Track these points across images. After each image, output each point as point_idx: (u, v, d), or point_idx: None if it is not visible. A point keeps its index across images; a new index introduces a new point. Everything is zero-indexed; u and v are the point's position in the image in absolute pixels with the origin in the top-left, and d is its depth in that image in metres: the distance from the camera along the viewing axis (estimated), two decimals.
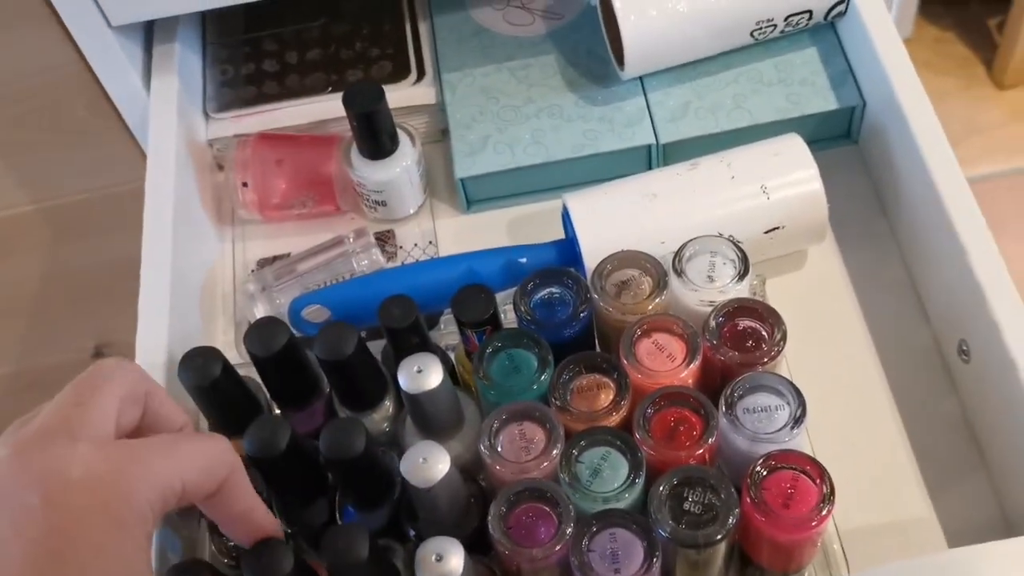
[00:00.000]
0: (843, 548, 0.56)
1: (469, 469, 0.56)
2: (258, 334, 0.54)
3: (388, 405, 0.58)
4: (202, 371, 0.53)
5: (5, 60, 0.91)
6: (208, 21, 0.77)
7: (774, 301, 0.63)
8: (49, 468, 0.37)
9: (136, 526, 0.38)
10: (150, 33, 0.72)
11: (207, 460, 0.42)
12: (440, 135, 0.74)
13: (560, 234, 0.66)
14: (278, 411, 0.58)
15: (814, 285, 0.65)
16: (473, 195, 0.71)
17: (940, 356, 0.62)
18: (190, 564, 0.48)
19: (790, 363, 0.61)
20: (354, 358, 0.53)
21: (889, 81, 0.63)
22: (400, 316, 0.55)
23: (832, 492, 0.49)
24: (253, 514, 0.45)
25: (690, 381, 0.54)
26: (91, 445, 0.38)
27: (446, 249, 0.69)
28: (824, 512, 0.48)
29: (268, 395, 0.58)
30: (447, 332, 0.64)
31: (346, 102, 0.64)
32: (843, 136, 0.71)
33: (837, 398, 0.61)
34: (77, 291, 1.14)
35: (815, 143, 0.65)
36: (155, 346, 0.59)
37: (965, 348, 0.58)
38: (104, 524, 0.37)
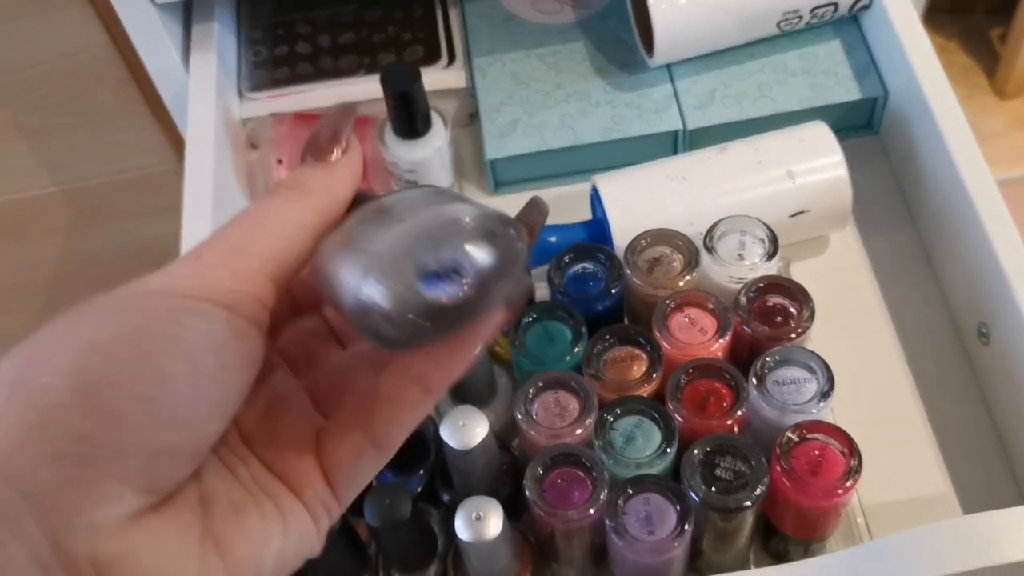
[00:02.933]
0: (866, 521, 0.57)
1: (501, 439, 0.57)
2: None
3: None
4: None
5: (32, 42, 0.93)
6: (243, 3, 0.79)
7: None
8: None
9: None
10: (188, 13, 0.73)
11: None
12: (467, 120, 0.76)
13: (585, 217, 0.68)
14: None
15: (836, 269, 0.67)
16: (501, 177, 0.72)
17: (959, 339, 0.63)
18: None
19: (812, 344, 0.63)
20: None
21: (913, 72, 0.65)
22: None
23: (860, 462, 0.50)
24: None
25: (720, 355, 0.55)
26: None
27: None
28: (851, 481, 0.50)
29: None
30: None
31: (383, 82, 0.65)
32: (864, 126, 0.73)
33: (858, 379, 0.62)
34: (95, 275, 1.16)
35: (837, 133, 0.66)
36: None
37: (985, 331, 0.60)
38: None
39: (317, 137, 0.33)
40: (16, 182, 1.07)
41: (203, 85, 0.69)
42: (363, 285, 0.27)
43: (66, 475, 0.24)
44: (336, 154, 0.33)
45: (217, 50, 0.72)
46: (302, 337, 0.33)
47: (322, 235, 0.31)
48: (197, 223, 0.64)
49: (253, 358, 0.28)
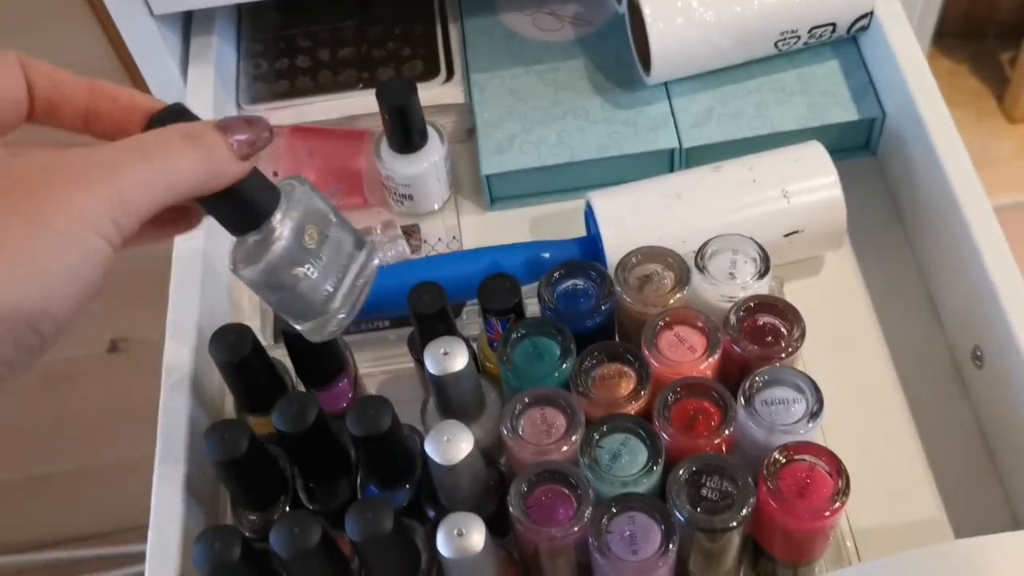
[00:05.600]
0: (855, 545, 0.57)
1: (489, 455, 0.57)
2: None
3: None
4: (233, 347, 0.54)
5: (38, 53, 0.93)
6: (244, 16, 0.79)
7: None
8: None
9: None
10: (188, 25, 0.74)
11: None
12: (466, 135, 0.76)
13: (581, 233, 0.68)
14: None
15: (830, 291, 0.67)
16: (497, 192, 0.72)
17: (953, 362, 0.63)
18: (223, 529, 0.49)
19: (805, 365, 0.62)
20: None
21: (910, 93, 0.65)
22: (429, 302, 0.56)
23: (847, 484, 0.50)
24: (58, 71, 0.41)
25: (709, 373, 0.55)
26: None
27: (469, 244, 0.71)
28: (838, 503, 0.49)
29: (294, 375, 0.59)
30: (469, 323, 0.65)
31: (379, 96, 0.66)
32: (862, 147, 0.72)
33: (851, 401, 0.62)
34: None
35: (834, 153, 0.66)
36: (184, 326, 0.61)
37: (979, 354, 0.59)
38: None
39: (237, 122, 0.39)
40: None
41: (199, 97, 0.70)
42: None
43: None
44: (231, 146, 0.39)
45: (215, 62, 0.72)
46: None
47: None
48: (188, 234, 0.64)
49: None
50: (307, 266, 0.42)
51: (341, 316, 0.44)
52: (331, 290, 0.43)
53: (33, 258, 0.33)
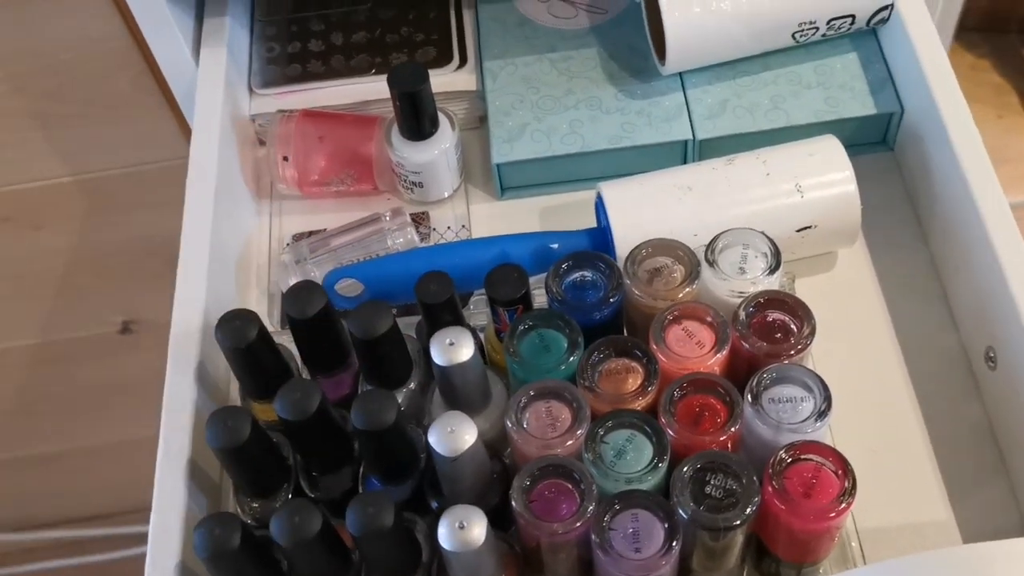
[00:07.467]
0: (861, 545, 0.56)
1: (493, 447, 0.56)
2: (296, 297, 0.55)
3: (412, 386, 0.58)
4: (239, 333, 0.54)
5: (50, 30, 0.93)
6: None
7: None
8: None
9: None
10: (201, 6, 0.73)
11: None
12: (477, 123, 0.75)
13: (592, 225, 0.67)
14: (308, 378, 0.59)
15: (843, 287, 0.66)
16: (508, 182, 0.72)
17: (967, 362, 0.62)
18: (223, 516, 0.49)
19: (816, 363, 0.62)
20: (386, 337, 0.54)
21: (929, 89, 0.64)
22: (437, 292, 0.55)
23: (854, 485, 0.49)
24: None
25: (717, 369, 0.54)
26: None
27: (479, 233, 0.70)
28: (844, 504, 0.49)
29: (299, 362, 0.59)
30: (476, 312, 0.64)
31: (390, 82, 0.65)
32: (879, 143, 0.71)
33: (861, 399, 0.61)
34: (107, 266, 1.16)
35: (850, 148, 0.65)
36: (191, 310, 0.60)
37: (992, 355, 0.59)
38: None
39: None
40: (33, 171, 1.07)
41: (211, 79, 0.69)
42: None
43: None
44: None
45: (228, 44, 0.72)
46: None
47: None
48: (198, 216, 0.64)
49: None
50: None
51: None
52: None
53: None
